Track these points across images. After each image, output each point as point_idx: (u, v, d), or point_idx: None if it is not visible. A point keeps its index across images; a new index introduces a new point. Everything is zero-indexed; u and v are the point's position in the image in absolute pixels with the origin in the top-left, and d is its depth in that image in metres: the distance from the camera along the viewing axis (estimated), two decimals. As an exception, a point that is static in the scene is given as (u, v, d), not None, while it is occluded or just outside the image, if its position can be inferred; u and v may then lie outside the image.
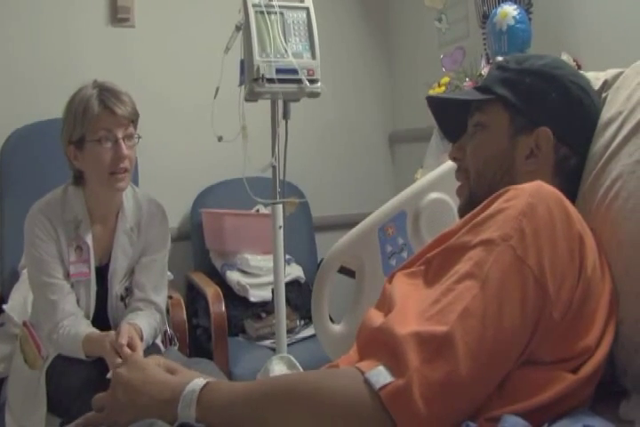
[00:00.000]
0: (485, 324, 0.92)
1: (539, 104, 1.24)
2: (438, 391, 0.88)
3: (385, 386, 0.87)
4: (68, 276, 2.03)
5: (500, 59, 2.26)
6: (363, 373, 0.90)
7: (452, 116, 1.38)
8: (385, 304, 1.16)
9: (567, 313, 0.99)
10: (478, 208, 1.09)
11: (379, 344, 0.96)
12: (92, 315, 2.07)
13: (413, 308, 0.99)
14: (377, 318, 1.11)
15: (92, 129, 1.94)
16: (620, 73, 1.38)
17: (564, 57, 2.33)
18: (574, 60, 2.34)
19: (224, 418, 0.95)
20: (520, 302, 0.95)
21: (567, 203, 1.06)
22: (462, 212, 1.29)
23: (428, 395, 0.87)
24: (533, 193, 1.04)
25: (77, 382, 1.92)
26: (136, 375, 1.05)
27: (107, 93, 1.95)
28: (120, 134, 1.96)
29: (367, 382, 0.89)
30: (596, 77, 1.40)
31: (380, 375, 0.89)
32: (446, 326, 0.91)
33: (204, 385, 0.99)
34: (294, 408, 0.92)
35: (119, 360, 1.82)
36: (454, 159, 1.34)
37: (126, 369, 1.06)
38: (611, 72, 1.41)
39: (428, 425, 0.87)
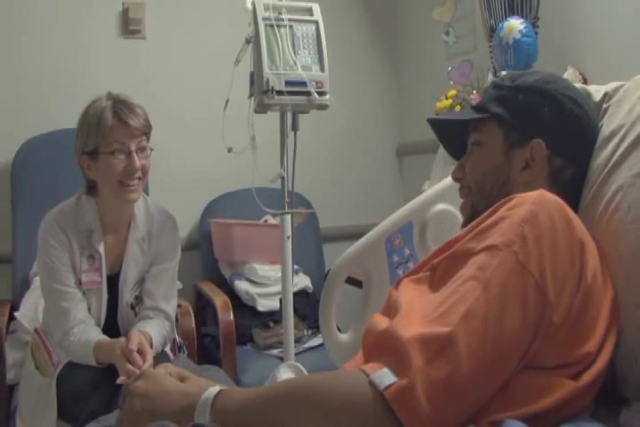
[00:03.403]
0: (487, 325, 0.95)
1: (531, 119, 1.28)
2: (441, 391, 0.90)
3: (389, 386, 0.90)
4: (79, 284, 2.05)
5: (503, 73, 2.29)
6: (367, 375, 0.93)
7: (454, 136, 1.42)
8: (391, 310, 1.18)
9: (567, 318, 1.02)
10: (483, 216, 1.12)
11: (383, 347, 0.99)
12: (102, 323, 2.10)
13: (419, 311, 1.02)
14: (382, 322, 1.14)
15: (106, 141, 1.96)
16: (621, 86, 1.41)
17: (570, 70, 2.35)
18: (580, 74, 2.36)
19: (237, 422, 0.97)
20: (521, 306, 0.98)
21: (569, 210, 1.09)
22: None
23: (431, 394, 0.89)
24: (536, 201, 1.07)
25: (86, 387, 1.94)
26: (153, 387, 1.07)
27: (120, 106, 1.98)
28: (133, 147, 1.99)
29: (372, 383, 0.92)
30: (596, 90, 1.43)
31: (385, 376, 0.91)
32: (449, 326, 0.94)
33: (218, 393, 1.01)
34: (301, 410, 0.94)
35: (129, 366, 1.84)
36: (457, 180, 1.38)
37: (143, 382, 1.08)
38: (612, 85, 1.44)
39: (431, 424, 0.90)
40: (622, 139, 1.26)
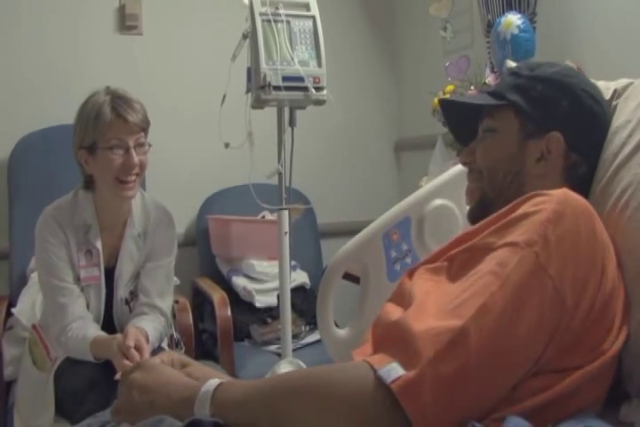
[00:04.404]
0: (501, 323, 0.94)
1: (549, 111, 1.25)
2: (447, 385, 0.89)
3: (396, 379, 0.89)
4: (77, 280, 2.06)
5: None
6: (375, 370, 0.92)
7: (463, 120, 1.39)
8: (404, 298, 1.17)
9: (584, 323, 1.01)
10: (504, 210, 1.11)
11: (394, 339, 0.98)
12: (102, 318, 2.10)
13: (433, 304, 1.01)
14: (395, 312, 1.13)
15: (104, 137, 1.96)
16: (630, 83, 1.40)
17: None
18: (578, 69, 2.35)
19: (238, 414, 0.96)
20: (537, 309, 0.96)
21: (593, 212, 1.08)
22: (473, 215, 1.30)
23: (436, 388, 0.89)
24: (560, 200, 1.05)
25: (83, 383, 1.94)
26: (152, 377, 1.06)
27: (119, 101, 1.97)
28: (132, 143, 1.98)
29: (379, 377, 0.90)
30: (606, 87, 1.42)
31: (393, 370, 0.90)
32: (462, 320, 0.93)
33: (218, 385, 1.00)
34: (305, 401, 0.93)
35: (126, 362, 1.84)
36: (465, 164, 1.35)
37: (141, 373, 1.07)
38: (621, 82, 1.43)
39: (436, 417, 0.89)
40: (630, 135, 1.25)
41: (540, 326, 0.96)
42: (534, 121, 1.26)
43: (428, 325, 0.94)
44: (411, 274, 1.25)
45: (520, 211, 1.06)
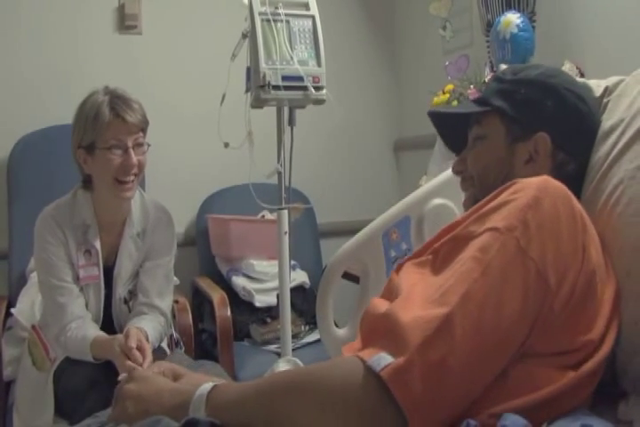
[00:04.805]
0: (484, 311, 0.95)
1: (534, 113, 1.27)
2: (435, 372, 0.90)
3: (385, 367, 0.90)
4: (77, 279, 2.05)
5: (502, 66, 2.28)
6: (365, 361, 0.92)
7: (454, 129, 1.41)
8: (391, 293, 1.18)
9: (567, 305, 1.01)
10: (485, 200, 1.12)
11: (382, 331, 0.98)
12: (101, 318, 2.10)
13: (419, 295, 1.01)
14: (382, 305, 1.13)
15: (103, 137, 1.96)
16: (621, 80, 1.41)
17: (567, 65, 2.35)
18: (577, 68, 2.36)
19: (234, 414, 0.97)
20: (521, 293, 0.97)
21: (573, 198, 1.09)
22: None
23: (426, 374, 0.89)
24: (540, 187, 1.06)
25: (83, 383, 1.94)
26: (145, 387, 1.07)
27: (118, 100, 1.97)
28: (130, 143, 1.98)
29: (369, 368, 0.91)
30: (597, 84, 1.43)
31: (382, 359, 0.91)
32: (447, 307, 0.94)
33: (212, 388, 1.01)
34: (302, 399, 0.94)
35: (129, 363, 1.83)
36: (457, 172, 1.37)
37: (134, 384, 1.08)
38: (612, 79, 1.43)
39: (426, 404, 0.90)
40: (622, 133, 1.26)
41: (525, 308, 0.97)
42: (519, 124, 1.27)
43: (415, 314, 0.95)
44: (398, 269, 1.27)
45: (500, 198, 1.07)
